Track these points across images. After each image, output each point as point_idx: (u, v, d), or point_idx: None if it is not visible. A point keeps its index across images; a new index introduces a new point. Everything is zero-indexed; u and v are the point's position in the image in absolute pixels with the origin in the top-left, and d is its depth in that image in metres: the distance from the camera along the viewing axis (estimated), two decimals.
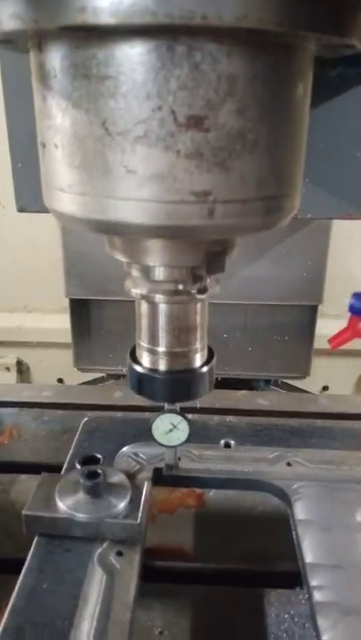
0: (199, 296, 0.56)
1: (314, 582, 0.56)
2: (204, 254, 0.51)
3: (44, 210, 1.36)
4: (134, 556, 0.58)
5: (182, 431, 0.65)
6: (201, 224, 0.44)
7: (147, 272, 0.54)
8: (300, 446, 0.75)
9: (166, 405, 0.65)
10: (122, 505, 0.60)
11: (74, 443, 0.76)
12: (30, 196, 1.34)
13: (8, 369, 1.85)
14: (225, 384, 1.29)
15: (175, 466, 0.69)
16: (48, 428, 1.02)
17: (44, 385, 1.17)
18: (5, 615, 0.52)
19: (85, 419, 0.81)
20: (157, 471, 0.71)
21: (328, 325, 1.69)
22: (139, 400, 1.12)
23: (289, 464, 0.72)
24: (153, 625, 0.66)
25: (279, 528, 0.80)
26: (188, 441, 0.75)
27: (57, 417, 1.05)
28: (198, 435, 0.77)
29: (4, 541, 0.77)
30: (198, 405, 0.89)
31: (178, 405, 0.66)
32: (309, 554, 0.59)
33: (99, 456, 0.64)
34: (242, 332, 1.63)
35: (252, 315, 1.59)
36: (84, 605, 0.52)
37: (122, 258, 0.54)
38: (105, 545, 0.59)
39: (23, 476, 0.90)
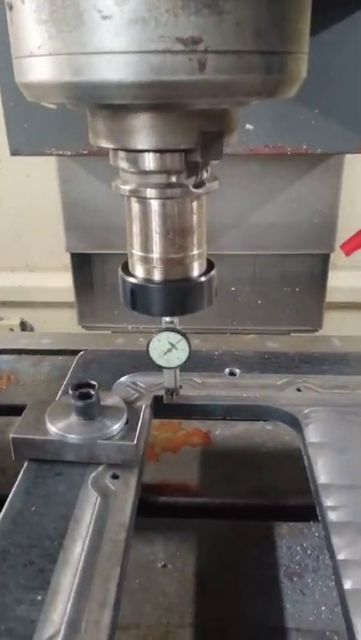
0: (195, 190, 0.50)
1: (328, 502, 0.51)
2: (197, 135, 0.45)
3: (39, 152, 1.29)
4: (131, 478, 0.53)
5: (182, 351, 0.60)
6: (190, 79, 0.38)
7: (135, 161, 0.48)
8: (311, 373, 0.69)
9: (164, 323, 0.60)
10: (117, 426, 0.55)
11: (68, 374, 0.72)
12: (23, 138, 1.28)
13: (12, 330, 1.81)
14: None
15: (175, 391, 0.64)
16: (47, 372, 0.98)
17: (43, 333, 1.13)
18: None
19: (81, 352, 0.77)
20: (157, 399, 0.66)
21: (340, 277, 1.63)
22: (143, 346, 1.08)
23: (299, 390, 0.66)
24: (156, 558, 0.63)
25: (289, 465, 0.75)
26: (190, 369, 0.71)
27: (57, 362, 1.01)
28: (201, 364, 0.72)
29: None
30: (203, 349, 0.84)
31: (177, 323, 0.60)
32: (322, 475, 0.54)
33: (93, 382, 0.59)
34: (250, 284, 1.57)
35: (261, 266, 1.53)
36: (76, 526, 0.48)
37: (106, 144, 0.48)
38: (100, 469, 0.54)
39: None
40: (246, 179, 1.37)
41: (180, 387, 0.67)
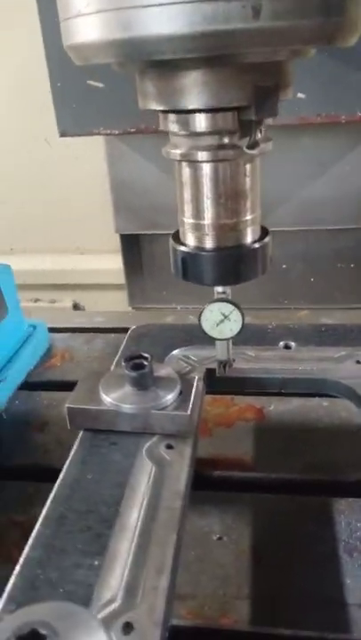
0: (249, 151, 0.48)
1: None
2: (251, 90, 0.43)
3: (87, 132, 1.30)
4: (185, 448, 0.53)
5: (235, 322, 0.59)
6: (245, 27, 0.36)
7: (186, 122, 0.47)
8: None
9: (216, 294, 0.59)
10: (170, 396, 0.55)
11: (121, 347, 0.72)
12: (72, 119, 1.29)
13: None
14: None
15: (228, 363, 0.63)
16: (100, 349, 0.99)
17: (95, 312, 1.14)
18: (47, 505, 0.48)
19: (133, 327, 0.76)
20: (210, 372, 0.65)
21: None
22: (194, 321, 1.07)
23: (359, 362, 0.64)
24: (211, 531, 0.62)
25: (348, 441, 0.73)
26: (242, 343, 0.69)
27: (109, 339, 1.02)
28: (254, 337, 0.71)
29: (56, 451, 0.75)
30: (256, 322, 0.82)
31: (229, 294, 0.59)
32: None
33: (146, 355, 0.58)
34: (303, 261, 1.53)
35: (314, 242, 1.49)
36: (132, 494, 0.48)
37: (156, 105, 0.47)
38: (154, 439, 0.54)
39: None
40: (297, 153, 1.33)
41: (233, 360, 0.66)
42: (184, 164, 0.51)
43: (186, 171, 0.51)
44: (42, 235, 1.80)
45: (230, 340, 0.62)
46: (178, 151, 0.49)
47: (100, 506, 0.47)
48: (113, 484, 0.49)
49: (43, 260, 1.82)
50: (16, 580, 0.41)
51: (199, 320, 0.60)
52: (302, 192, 1.38)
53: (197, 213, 0.52)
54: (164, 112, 0.48)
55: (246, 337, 0.70)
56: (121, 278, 1.61)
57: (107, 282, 1.79)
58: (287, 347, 0.68)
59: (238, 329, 0.59)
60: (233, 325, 0.59)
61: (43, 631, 0.31)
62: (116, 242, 1.56)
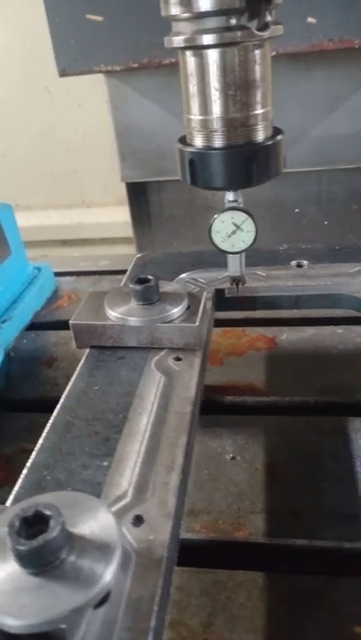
0: (259, 33, 0.44)
1: None
2: None
3: (87, 70, 1.24)
4: (194, 360, 0.51)
5: (248, 232, 0.56)
6: None
7: (188, 2, 0.43)
8: None
9: (226, 202, 0.55)
10: (177, 310, 0.53)
11: (126, 274, 0.70)
12: (71, 56, 1.24)
13: None
14: None
15: (241, 279, 0.61)
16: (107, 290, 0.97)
17: (100, 255, 1.12)
18: (54, 414, 0.47)
19: (138, 254, 0.74)
20: (219, 293, 0.63)
21: None
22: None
23: None
24: (223, 451, 0.61)
25: None
26: (252, 264, 0.67)
27: (116, 281, 1.00)
28: (265, 259, 0.68)
29: (66, 384, 0.74)
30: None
31: (241, 202, 0.55)
32: None
33: (151, 277, 0.56)
34: (316, 204, 1.48)
35: (327, 183, 1.44)
36: (140, 402, 0.46)
37: None
38: (162, 353, 0.52)
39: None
40: (308, 86, 1.27)
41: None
42: (188, 53, 0.47)
43: (191, 60, 0.48)
44: (46, 189, 1.77)
45: (243, 255, 0.59)
46: (181, 37, 0.46)
47: (108, 413, 0.45)
48: (121, 394, 0.48)
49: (48, 216, 1.80)
50: (23, 482, 0.40)
51: (209, 233, 0.57)
52: (315, 130, 1.33)
53: (205, 108, 0.49)
54: None
55: (256, 259, 0.68)
56: (129, 231, 1.57)
57: (114, 235, 1.76)
58: (300, 265, 0.66)
59: (252, 240, 0.56)
60: (246, 237, 0.56)
61: (47, 512, 0.30)
62: (122, 193, 1.53)
